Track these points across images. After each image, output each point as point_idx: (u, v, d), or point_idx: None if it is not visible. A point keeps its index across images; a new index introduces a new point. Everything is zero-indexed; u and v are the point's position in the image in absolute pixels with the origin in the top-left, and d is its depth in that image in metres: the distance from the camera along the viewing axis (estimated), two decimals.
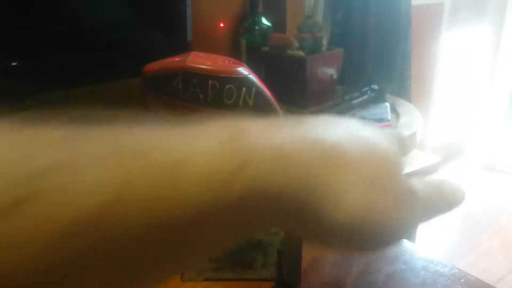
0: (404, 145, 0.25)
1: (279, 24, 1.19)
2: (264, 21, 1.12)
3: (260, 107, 0.35)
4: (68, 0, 0.82)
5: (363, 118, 0.99)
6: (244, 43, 1.12)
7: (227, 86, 0.33)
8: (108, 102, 0.69)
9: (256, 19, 1.11)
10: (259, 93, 0.35)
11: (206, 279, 0.39)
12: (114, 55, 0.87)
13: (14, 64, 0.81)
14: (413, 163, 1.13)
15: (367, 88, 1.11)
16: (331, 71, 1.06)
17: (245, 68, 0.35)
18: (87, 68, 0.85)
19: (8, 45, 0.78)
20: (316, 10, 1.34)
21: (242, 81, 0.34)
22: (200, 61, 0.34)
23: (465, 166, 2.49)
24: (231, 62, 0.35)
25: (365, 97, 1.09)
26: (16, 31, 0.79)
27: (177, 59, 0.34)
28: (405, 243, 0.44)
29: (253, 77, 0.35)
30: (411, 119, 1.04)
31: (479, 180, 2.39)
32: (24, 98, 0.82)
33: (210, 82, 0.33)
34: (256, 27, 1.11)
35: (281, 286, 0.37)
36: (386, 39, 1.42)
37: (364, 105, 1.08)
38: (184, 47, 0.93)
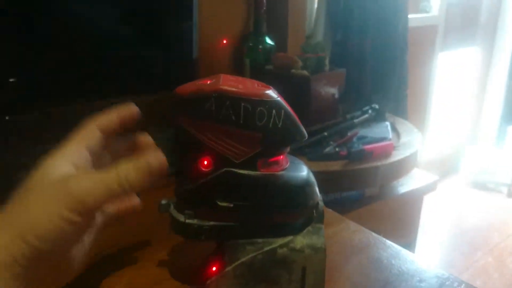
0: None
1: (280, 44, 1.22)
2: (268, 40, 1.14)
3: (288, 129, 0.36)
4: (72, 17, 0.83)
5: (365, 137, 1.01)
6: (248, 61, 1.14)
7: (259, 109, 0.34)
8: None
9: (260, 38, 1.14)
10: (287, 115, 0.36)
11: None
12: (120, 72, 0.88)
13: (12, 80, 0.81)
14: (413, 181, 1.16)
15: (368, 107, 1.13)
16: (333, 90, 1.08)
17: (274, 91, 0.36)
18: (92, 85, 0.86)
19: (5, 61, 0.78)
20: (317, 31, 1.37)
21: (272, 104, 0.35)
22: (232, 84, 0.35)
23: (458, 184, 2.52)
24: (260, 85, 0.37)
25: (366, 116, 1.11)
26: (15, 47, 0.79)
27: (208, 81, 0.35)
28: (419, 260, 0.45)
29: (281, 100, 0.36)
30: (411, 138, 1.07)
31: (471, 198, 2.42)
32: (22, 113, 0.82)
33: (242, 104, 0.34)
34: (260, 46, 1.13)
35: None
36: (384, 60, 1.46)
37: (365, 124, 1.11)
38: (189, 65, 0.94)
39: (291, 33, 1.26)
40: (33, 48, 0.79)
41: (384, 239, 0.50)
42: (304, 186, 0.38)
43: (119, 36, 0.87)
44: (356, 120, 1.09)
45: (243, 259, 0.37)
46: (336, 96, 1.10)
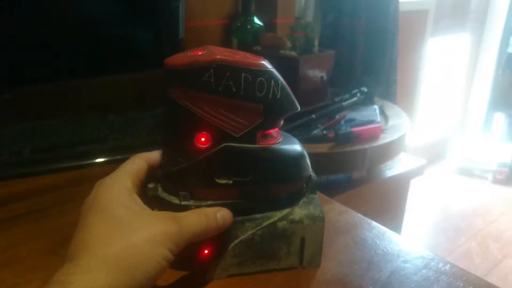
0: None
1: (269, 24, 1.19)
2: (256, 20, 1.11)
3: (285, 100, 0.35)
4: None
5: (353, 120, 1.00)
6: (236, 41, 1.11)
7: (259, 79, 0.33)
8: (99, 96, 0.67)
9: (248, 18, 1.11)
10: (283, 86, 0.35)
11: (230, 276, 0.38)
12: (104, 50, 0.85)
13: None
14: (400, 165, 1.15)
15: (356, 91, 1.12)
16: (322, 72, 1.06)
17: (268, 62, 0.35)
18: (77, 63, 0.83)
19: None
20: (307, 11, 1.34)
21: (271, 74, 0.34)
22: (228, 54, 0.33)
23: (444, 170, 2.55)
24: (253, 56, 0.35)
25: (355, 99, 1.10)
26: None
27: (200, 52, 0.33)
28: (404, 241, 0.45)
29: (276, 71, 0.35)
30: (400, 122, 1.06)
31: (457, 184, 2.45)
32: (2, 92, 0.79)
33: (243, 75, 0.33)
34: (248, 26, 1.11)
35: None
36: (374, 43, 1.44)
37: (353, 107, 1.09)
38: (175, 45, 0.92)
39: (280, 13, 1.23)
40: (17, 26, 0.76)
41: (369, 220, 0.49)
42: (299, 158, 0.38)
43: (105, 15, 0.84)
44: (344, 103, 1.07)
45: (242, 237, 0.37)
46: (325, 78, 1.09)
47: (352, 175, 1.03)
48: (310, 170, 0.40)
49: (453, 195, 2.33)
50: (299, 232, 0.38)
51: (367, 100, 1.13)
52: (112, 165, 0.61)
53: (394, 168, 1.14)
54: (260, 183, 0.36)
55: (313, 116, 0.99)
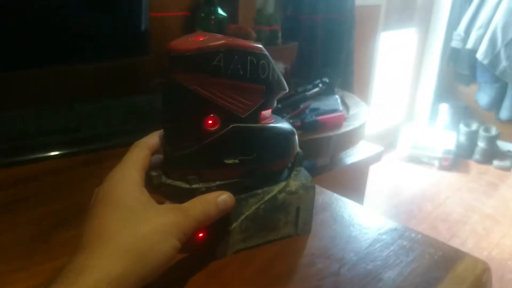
0: None
1: (231, 16, 1.20)
2: (220, 11, 1.12)
3: (280, 81, 0.38)
4: None
5: (317, 109, 1.03)
6: None
7: (261, 62, 0.35)
8: (63, 86, 0.66)
9: (212, 9, 1.11)
10: (276, 69, 0.37)
11: (236, 251, 0.40)
12: (68, 39, 0.82)
13: None
14: (360, 152, 1.21)
15: (318, 81, 1.16)
16: (286, 64, 1.09)
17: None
18: (40, 51, 0.80)
19: None
20: (267, 4, 1.37)
21: (268, 58, 0.36)
22: (229, 39, 0.35)
23: (395, 158, 2.69)
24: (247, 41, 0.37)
25: (317, 89, 1.14)
26: None
27: (201, 38, 0.34)
28: (378, 216, 0.48)
29: None
30: (359, 110, 1.11)
31: (408, 171, 2.59)
32: None
33: (249, 58, 0.34)
34: (212, 17, 1.11)
35: None
36: (333, 36, 1.49)
37: (316, 97, 1.13)
38: (140, 35, 0.91)
39: (242, 5, 1.25)
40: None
41: (345, 199, 0.52)
42: (293, 135, 0.41)
43: (69, 3, 0.82)
44: (307, 93, 1.11)
45: (247, 213, 0.39)
46: (289, 69, 1.12)
47: (316, 162, 1.07)
48: (298, 147, 0.43)
49: (404, 181, 2.47)
50: (295, 201, 0.42)
51: (329, 90, 1.18)
52: (83, 155, 0.61)
53: (354, 155, 1.20)
54: (262, 160, 0.39)
55: (279, 105, 1.02)
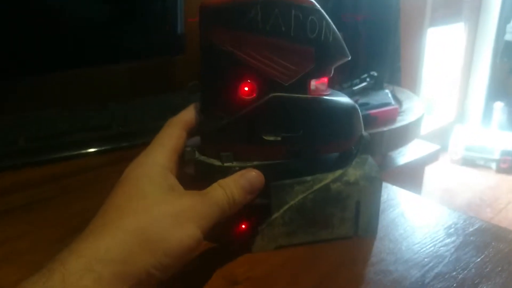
0: None
1: None
2: None
3: (338, 43, 0.31)
4: None
5: (367, 104, 0.95)
6: None
7: (310, 18, 0.29)
8: (97, 86, 0.61)
9: None
10: (334, 29, 0.31)
11: (278, 247, 0.34)
12: (102, 48, 0.80)
13: None
14: (416, 151, 1.11)
15: (366, 75, 1.07)
16: None
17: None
18: (74, 53, 0.78)
19: None
20: None
21: (321, 14, 0.30)
22: None
23: (447, 161, 2.51)
24: None
25: (365, 83, 1.05)
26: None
27: None
28: (459, 215, 0.39)
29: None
30: (413, 105, 1.01)
31: (461, 174, 2.41)
32: (7, 82, 0.73)
33: (293, 12, 0.29)
34: None
35: None
36: (377, 30, 1.40)
37: (364, 92, 1.05)
38: (176, 40, 0.87)
39: None
40: (19, 16, 0.71)
41: (416, 195, 0.43)
42: (353, 112, 0.34)
43: (104, 7, 0.80)
44: (355, 88, 1.02)
45: (292, 202, 0.33)
46: None
47: None
48: (363, 129, 0.35)
49: (459, 186, 2.30)
50: (355, 194, 0.34)
51: (377, 85, 1.09)
52: (115, 152, 0.57)
53: (408, 154, 1.09)
54: (311, 140, 0.32)
55: None
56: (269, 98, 0.30)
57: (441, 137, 2.58)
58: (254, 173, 0.31)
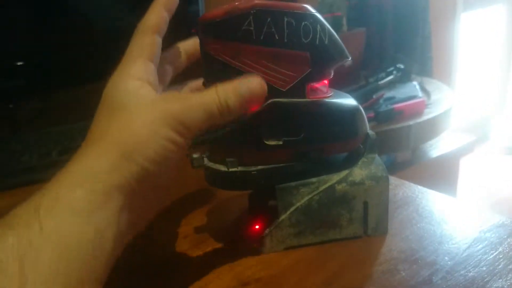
0: None
1: None
2: None
3: (335, 45, 0.32)
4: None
5: (392, 98, 0.93)
6: None
7: (303, 23, 0.30)
8: None
9: None
10: (330, 32, 0.32)
11: (287, 248, 0.35)
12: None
13: (19, 64, 0.77)
14: (447, 143, 1.07)
15: (392, 68, 1.05)
16: (353, 52, 1.00)
17: (311, 6, 0.31)
18: (100, 66, 0.82)
19: (14, 45, 0.75)
20: None
21: (315, 18, 0.31)
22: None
23: (489, 151, 2.40)
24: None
25: (391, 77, 1.03)
26: (22, 30, 0.75)
27: (237, 2, 0.30)
28: (476, 211, 0.39)
29: (320, 15, 0.31)
30: (443, 96, 0.98)
31: (506, 164, 2.30)
32: (30, 99, 0.78)
33: (285, 19, 0.29)
34: None
35: None
36: (405, 20, 1.36)
37: (390, 85, 1.03)
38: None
39: None
40: (39, 32, 0.75)
41: (432, 191, 0.43)
42: (355, 112, 0.34)
43: (126, 18, 0.83)
44: (380, 82, 1.01)
45: (298, 204, 0.34)
46: (356, 58, 1.03)
47: (396, 157, 0.96)
48: (368, 127, 0.35)
49: (503, 177, 2.19)
50: (361, 194, 0.34)
51: (404, 78, 1.06)
52: None
53: (440, 147, 1.06)
54: (314, 142, 0.33)
55: None
56: (269, 104, 0.31)
57: (482, 126, 2.47)
58: (256, 80, 0.30)
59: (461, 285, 0.30)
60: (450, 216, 0.38)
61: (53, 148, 0.60)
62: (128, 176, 0.26)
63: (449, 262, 0.32)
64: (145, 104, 0.28)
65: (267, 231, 0.34)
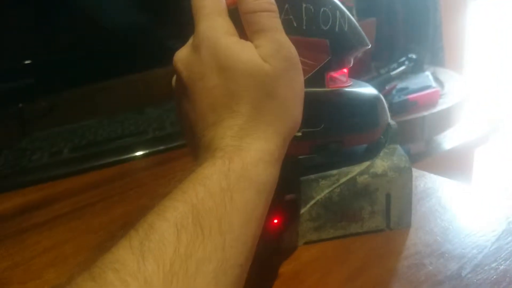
0: None
1: None
2: None
3: (354, 33, 0.31)
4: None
5: (405, 88, 0.91)
6: None
7: (322, 10, 0.29)
8: (133, 94, 0.64)
9: None
10: (350, 18, 0.31)
11: (307, 242, 0.34)
12: (131, 52, 0.83)
13: (28, 63, 0.77)
14: (463, 134, 1.05)
15: (404, 59, 1.03)
16: None
17: None
18: (108, 64, 0.81)
19: (22, 44, 0.75)
20: None
21: (334, 4, 0.30)
22: None
23: (505, 140, 2.36)
24: None
25: (403, 67, 1.01)
26: (31, 30, 0.75)
27: None
28: (504, 201, 0.37)
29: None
30: (457, 85, 0.96)
31: None
32: (45, 97, 0.78)
33: (303, 5, 0.29)
34: None
35: None
36: (415, 9, 1.34)
37: (402, 76, 1.01)
38: None
39: None
40: (47, 32, 0.75)
41: (455, 181, 0.41)
42: (376, 101, 0.33)
43: (135, 18, 0.83)
44: (392, 73, 0.99)
45: (318, 197, 0.33)
46: (368, 50, 1.01)
47: (410, 149, 0.94)
48: (389, 117, 0.34)
49: None
50: (384, 186, 0.33)
51: (417, 68, 1.04)
52: (155, 156, 0.58)
53: (455, 138, 1.04)
54: (334, 133, 0.32)
55: None
56: None
57: (496, 117, 2.43)
58: None
59: (492, 279, 0.28)
60: (474, 207, 0.37)
61: (64, 146, 0.60)
62: (287, 137, 0.27)
63: (478, 255, 0.31)
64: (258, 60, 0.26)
65: (287, 225, 0.33)
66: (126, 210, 0.45)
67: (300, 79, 0.28)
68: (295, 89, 0.27)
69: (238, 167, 0.24)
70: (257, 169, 0.25)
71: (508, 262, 0.30)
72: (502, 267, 0.29)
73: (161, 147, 0.59)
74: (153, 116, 0.69)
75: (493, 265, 0.29)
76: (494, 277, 0.28)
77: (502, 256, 0.30)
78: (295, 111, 0.27)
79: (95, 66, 0.80)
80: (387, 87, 0.92)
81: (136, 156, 0.58)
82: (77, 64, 0.79)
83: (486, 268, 0.29)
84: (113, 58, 0.81)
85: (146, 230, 0.21)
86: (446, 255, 0.31)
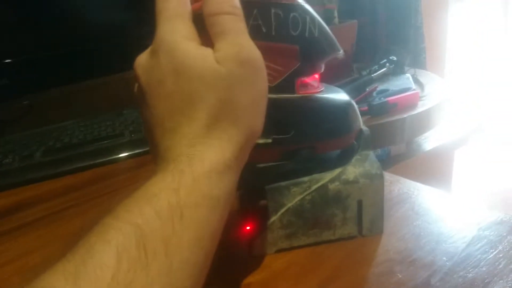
0: None
1: None
2: None
3: (325, 38, 0.30)
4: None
5: (386, 90, 0.91)
6: None
7: (292, 15, 0.29)
8: (110, 96, 0.63)
9: None
10: (321, 24, 0.30)
11: (278, 250, 0.34)
12: (108, 52, 0.81)
13: (8, 61, 0.75)
14: (443, 135, 1.06)
15: (385, 60, 1.04)
16: (345, 45, 0.99)
17: None
18: (86, 66, 0.80)
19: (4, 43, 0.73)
20: None
21: (304, 9, 0.29)
22: None
23: (484, 141, 2.40)
24: None
25: (384, 69, 1.02)
26: (13, 28, 0.73)
27: None
28: (475, 207, 0.37)
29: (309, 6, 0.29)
30: (437, 88, 0.97)
31: (502, 154, 2.30)
32: (20, 98, 0.76)
33: (272, 11, 0.28)
34: None
35: None
36: (396, 11, 1.35)
37: (383, 78, 1.01)
38: None
39: None
40: (22, 31, 0.73)
41: (429, 187, 0.41)
42: (347, 107, 0.33)
43: (110, 20, 0.81)
44: (373, 75, 0.99)
45: (290, 204, 0.32)
46: (349, 51, 1.01)
47: (390, 151, 0.95)
48: (361, 123, 0.34)
49: (498, 168, 2.19)
50: (355, 193, 0.33)
51: (398, 70, 1.05)
52: (131, 159, 0.57)
53: (434, 139, 1.05)
54: (305, 140, 0.31)
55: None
56: None
57: (476, 119, 2.47)
58: None
59: (460, 287, 0.28)
60: (447, 213, 0.37)
61: (36, 149, 0.58)
62: (244, 146, 0.26)
63: (447, 263, 0.31)
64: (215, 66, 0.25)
65: (258, 232, 0.33)
66: (100, 216, 0.44)
67: (262, 84, 0.26)
68: (253, 95, 0.26)
69: (189, 181, 0.23)
70: (210, 181, 0.23)
71: (476, 269, 0.30)
72: (470, 275, 0.29)
73: (137, 151, 0.58)
74: (131, 118, 0.68)
75: (462, 273, 0.29)
76: (462, 285, 0.28)
77: (470, 264, 0.30)
78: (254, 118, 0.26)
79: (73, 66, 0.79)
80: (367, 89, 0.93)
81: (112, 159, 0.57)
82: (54, 64, 0.78)
83: (454, 276, 0.29)
84: (91, 58, 0.80)
85: (84, 254, 0.20)
86: (417, 262, 0.31)
